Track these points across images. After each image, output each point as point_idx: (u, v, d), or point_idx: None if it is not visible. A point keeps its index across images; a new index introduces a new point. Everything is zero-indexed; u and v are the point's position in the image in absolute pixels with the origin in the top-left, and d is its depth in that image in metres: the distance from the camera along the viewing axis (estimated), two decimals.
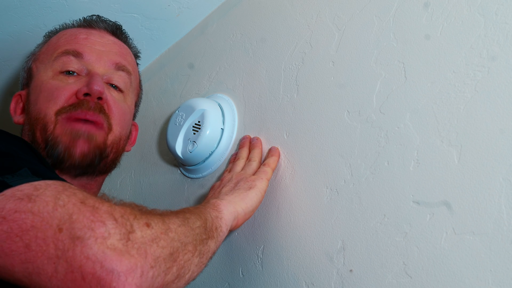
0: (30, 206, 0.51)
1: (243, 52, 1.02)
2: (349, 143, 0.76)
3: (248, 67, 1.00)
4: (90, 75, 0.82)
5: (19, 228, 0.50)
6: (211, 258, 0.64)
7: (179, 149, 0.96)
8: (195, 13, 1.16)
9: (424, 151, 0.66)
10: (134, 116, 0.97)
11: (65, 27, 0.93)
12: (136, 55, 0.99)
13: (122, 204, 0.57)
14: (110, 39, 0.91)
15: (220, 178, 0.87)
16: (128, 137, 0.91)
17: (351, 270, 0.69)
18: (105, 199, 0.56)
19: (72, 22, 0.93)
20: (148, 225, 0.55)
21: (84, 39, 0.87)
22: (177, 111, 1.00)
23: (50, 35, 0.93)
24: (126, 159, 1.25)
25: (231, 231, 0.73)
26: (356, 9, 0.83)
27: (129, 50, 0.95)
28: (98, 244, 0.50)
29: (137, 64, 0.98)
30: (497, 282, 0.55)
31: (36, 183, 0.54)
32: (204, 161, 0.96)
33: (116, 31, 0.93)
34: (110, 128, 0.82)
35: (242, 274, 0.85)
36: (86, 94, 0.80)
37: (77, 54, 0.84)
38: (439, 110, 0.66)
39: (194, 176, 1.00)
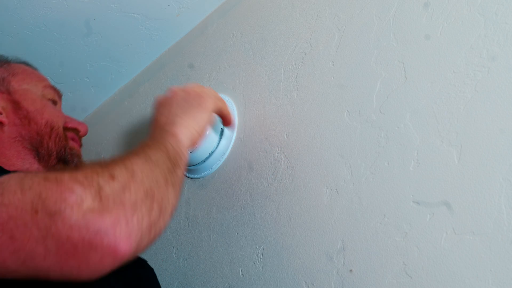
0: (1, 200, 0.52)
1: (243, 52, 1.02)
2: (349, 143, 0.76)
3: (248, 67, 1.00)
4: (68, 116, 0.92)
5: None
6: (182, 184, 0.65)
7: None
8: (195, 13, 1.16)
9: (424, 151, 0.66)
10: None
11: (17, 61, 0.98)
12: None
13: (82, 166, 0.59)
14: None
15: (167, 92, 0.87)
16: None
17: (351, 270, 0.69)
18: (63, 169, 0.59)
19: (11, 58, 0.97)
20: (112, 177, 0.56)
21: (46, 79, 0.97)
22: None
23: (6, 60, 0.96)
24: None
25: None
26: (356, 9, 0.83)
27: None
28: (75, 211, 0.51)
29: None
30: (497, 282, 0.55)
31: None
32: (204, 161, 0.96)
33: None
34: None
35: (242, 274, 0.85)
36: (76, 130, 0.91)
37: (56, 93, 0.94)
38: (439, 110, 0.66)
39: (194, 176, 1.00)
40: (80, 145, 0.92)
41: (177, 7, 1.13)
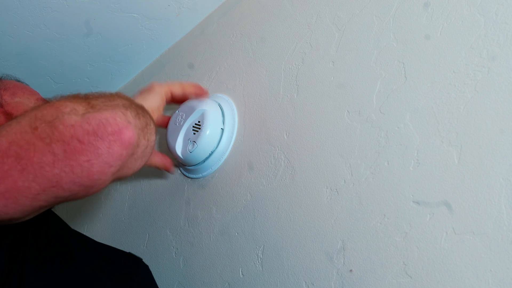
0: None
1: (243, 52, 1.02)
2: (349, 143, 0.76)
3: (248, 67, 1.00)
4: None
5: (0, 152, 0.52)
6: (156, 128, 0.68)
7: (179, 149, 0.96)
8: (195, 13, 1.16)
9: (424, 151, 0.66)
10: None
11: (8, 78, 0.98)
12: None
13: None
14: None
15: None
16: None
17: (351, 270, 0.69)
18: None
19: (1, 75, 0.98)
20: (97, 97, 0.59)
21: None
22: (177, 111, 1.00)
23: None
24: None
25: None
26: (356, 9, 0.83)
27: None
28: (73, 114, 0.53)
29: None
30: (497, 282, 0.55)
31: None
32: (204, 161, 0.96)
33: None
34: None
35: (242, 274, 0.85)
36: None
37: None
38: (439, 110, 0.66)
39: (194, 176, 1.00)
40: None
41: (177, 7, 1.13)
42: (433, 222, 0.63)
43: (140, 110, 0.62)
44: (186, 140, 0.95)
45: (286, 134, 0.87)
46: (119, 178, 0.61)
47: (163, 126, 0.99)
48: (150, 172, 1.16)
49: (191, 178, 1.01)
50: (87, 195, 0.57)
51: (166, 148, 1.09)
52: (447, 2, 0.70)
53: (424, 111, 0.68)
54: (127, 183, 1.22)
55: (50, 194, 0.53)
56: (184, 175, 1.03)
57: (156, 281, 0.98)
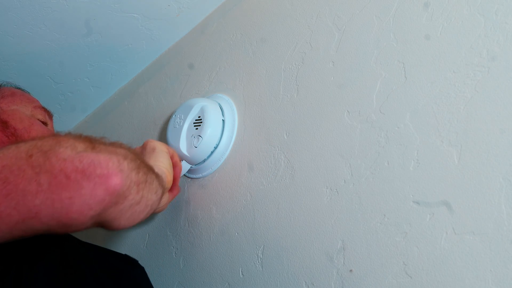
0: None
1: (243, 52, 1.02)
2: (349, 143, 0.76)
3: (248, 67, 1.00)
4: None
5: None
6: (160, 196, 0.67)
7: (183, 147, 0.96)
8: (195, 13, 1.16)
9: (424, 151, 0.66)
10: None
11: (5, 84, 0.99)
12: None
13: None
14: None
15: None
16: None
17: (351, 270, 0.69)
18: None
19: (1, 82, 0.99)
20: (103, 142, 0.60)
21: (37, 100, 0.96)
22: (174, 115, 1.00)
23: None
24: None
25: (165, 191, 0.77)
26: (356, 9, 0.83)
27: None
28: (69, 149, 0.53)
29: None
30: (497, 282, 0.55)
31: None
32: (204, 161, 0.96)
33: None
34: None
35: (242, 274, 0.84)
36: None
37: (47, 113, 0.94)
38: (439, 110, 0.66)
39: (194, 176, 1.00)
40: None
41: (177, 7, 1.13)
42: (433, 222, 0.63)
43: (145, 168, 0.62)
44: (190, 137, 0.96)
45: (286, 134, 0.87)
46: (104, 226, 0.60)
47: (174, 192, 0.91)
48: None
49: (191, 178, 1.01)
50: (67, 232, 0.56)
51: None
52: (447, 2, 0.70)
53: (424, 111, 0.68)
54: None
55: (29, 225, 0.53)
56: (184, 175, 1.03)
57: (156, 281, 0.98)
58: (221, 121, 0.96)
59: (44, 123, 0.91)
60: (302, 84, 0.87)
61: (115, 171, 0.54)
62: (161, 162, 0.80)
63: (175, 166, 0.87)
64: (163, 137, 1.14)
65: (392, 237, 0.66)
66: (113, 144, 0.62)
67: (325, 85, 0.83)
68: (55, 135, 0.57)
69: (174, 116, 1.00)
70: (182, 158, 0.98)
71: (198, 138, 0.94)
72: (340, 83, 0.81)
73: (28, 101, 0.94)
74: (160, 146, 0.85)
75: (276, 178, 0.85)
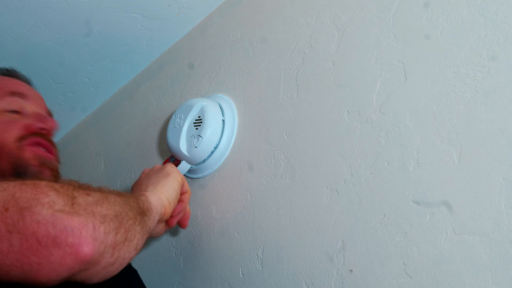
0: None
1: (243, 52, 1.02)
2: (349, 143, 0.76)
3: (248, 67, 1.00)
4: (37, 115, 0.86)
5: None
6: (148, 234, 0.66)
7: (183, 147, 0.96)
8: (195, 13, 1.16)
9: (424, 151, 0.66)
10: None
11: None
12: None
13: (61, 180, 0.61)
14: (31, 88, 0.95)
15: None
16: None
17: (351, 270, 0.69)
18: (42, 178, 0.60)
19: None
20: (87, 194, 0.58)
21: (19, 84, 0.91)
22: (174, 115, 1.00)
23: None
24: (126, 159, 1.25)
25: (161, 221, 0.77)
26: (356, 9, 0.83)
27: None
28: (45, 209, 0.52)
29: None
30: (497, 282, 0.55)
31: None
32: (204, 161, 0.96)
33: (31, 82, 0.97)
34: (58, 161, 0.86)
35: (242, 274, 0.85)
36: (42, 129, 0.84)
37: (22, 96, 0.88)
38: (439, 110, 0.66)
39: (194, 176, 1.00)
40: (50, 144, 0.85)
41: (177, 7, 1.14)
42: (433, 222, 0.63)
43: (131, 218, 0.60)
44: (190, 137, 0.96)
45: (286, 134, 0.87)
46: (77, 281, 0.59)
47: (171, 223, 0.86)
48: None
49: (191, 178, 1.01)
50: None
51: (166, 148, 1.09)
52: (447, 2, 0.70)
53: (424, 111, 0.68)
54: (127, 183, 1.22)
55: (1, 280, 0.53)
56: (184, 175, 1.03)
57: (156, 281, 0.98)
58: (221, 121, 0.96)
59: (14, 111, 0.85)
60: (302, 84, 0.87)
61: (87, 240, 0.52)
62: (166, 192, 0.79)
63: (183, 193, 0.86)
64: (163, 137, 1.14)
65: (392, 237, 0.66)
66: (102, 198, 0.59)
67: (325, 85, 0.83)
68: (37, 182, 0.55)
69: (174, 116, 1.00)
70: (182, 158, 0.98)
71: (198, 138, 0.94)
72: (340, 83, 0.81)
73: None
74: (175, 175, 0.84)
75: (276, 178, 0.85)
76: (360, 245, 0.69)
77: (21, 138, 0.82)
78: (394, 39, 0.75)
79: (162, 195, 0.77)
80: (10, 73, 0.95)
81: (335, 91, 0.81)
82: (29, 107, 0.89)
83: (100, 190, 0.62)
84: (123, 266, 0.60)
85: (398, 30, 0.75)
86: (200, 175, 0.99)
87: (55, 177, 0.83)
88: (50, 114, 0.93)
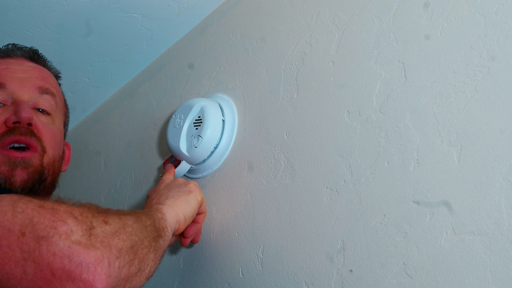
0: None
1: (243, 52, 1.02)
2: (349, 143, 0.76)
3: (248, 67, 1.00)
4: (16, 104, 0.83)
5: None
6: (162, 257, 0.66)
7: (183, 147, 0.96)
8: (195, 13, 1.16)
9: (424, 151, 0.66)
10: (65, 136, 0.97)
11: None
12: (57, 76, 0.99)
13: (79, 204, 0.59)
14: (29, 65, 0.91)
15: (154, 187, 0.89)
16: (62, 157, 0.92)
17: (351, 270, 0.69)
18: (62, 201, 0.59)
19: None
20: (106, 222, 0.57)
21: (4, 69, 0.87)
22: (174, 115, 1.00)
23: None
24: (126, 159, 1.25)
25: (174, 234, 0.76)
26: (356, 9, 0.83)
27: (49, 73, 0.95)
28: (63, 240, 0.52)
29: (59, 84, 0.98)
30: (497, 282, 0.55)
31: None
32: (204, 161, 0.96)
33: (34, 56, 0.94)
34: (44, 150, 0.83)
35: (242, 274, 0.85)
36: (16, 122, 0.81)
37: (0, 85, 0.85)
38: (439, 110, 0.66)
39: (194, 176, 1.00)
40: (29, 137, 0.81)
41: (177, 7, 1.14)
42: (433, 222, 0.62)
43: (146, 246, 0.60)
44: (190, 137, 0.96)
45: (286, 134, 0.87)
46: None
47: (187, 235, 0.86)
48: (150, 172, 1.16)
49: (191, 178, 1.01)
50: None
51: (166, 148, 1.09)
52: (447, 2, 0.70)
53: (424, 111, 0.68)
54: (127, 183, 1.22)
55: None
56: (184, 175, 1.03)
57: (156, 281, 0.98)
58: (221, 121, 0.96)
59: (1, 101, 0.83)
60: (302, 84, 0.87)
61: (101, 277, 0.52)
62: (184, 209, 0.79)
63: (199, 214, 0.86)
64: (163, 137, 1.14)
65: (392, 237, 0.66)
66: (118, 219, 0.59)
67: (325, 85, 0.83)
68: (54, 208, 0.55)
69: (174, 116, 1.00)
70: (182, 158, 0.98)
71: (198, 138, 0.94)
72: (340, 83, 0.81)
73: None
74: (197, 194, 0.84)
75: (276, 178, 0.85)
76: (360, 245, 0.69)
77: (3, 134, 0.79)
78: (394, 39, 0.75)
79: (180, 211, 0.77)
80: (1, 54, 0.91)
81: (335, 91, 0.81)
82: (12, 94, 0.85)
83: (118, 214, 0.61)
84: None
85: (398, 30, 0.75)
86: (200, 175, 0.99)
87: (37, 172, 0.81)
88: (44, 91, 0.88)
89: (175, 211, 0.76)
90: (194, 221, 0.85)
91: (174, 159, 1.00)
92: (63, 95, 0.98)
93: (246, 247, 0.85)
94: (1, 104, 0.83)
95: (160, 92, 1.22)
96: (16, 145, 0.80)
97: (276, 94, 0.91)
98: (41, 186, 0.83)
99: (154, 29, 1.19)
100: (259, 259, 0.82)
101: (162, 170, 1.12)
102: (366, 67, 0.77)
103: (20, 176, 0.79)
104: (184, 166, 0.97)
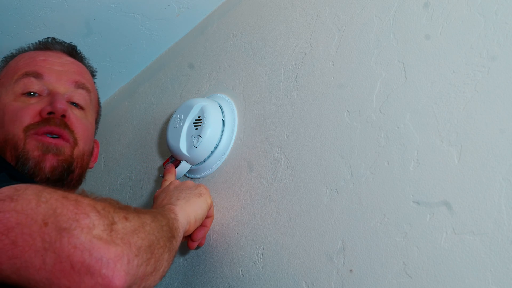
0: (13, 205, 0.53)
1: (243, 52, 1.02)
2: (349, 143, 0.76)
3: (248, 67, 1.00)
4: (52, 95, 0.84)
5: (4, 226, 0.52)
6: (174, 258, 0.66)
7: (183, 147, 0.96)
8: (195, 13, 1.16)
9: (424, 151, 0.66)
10: (95, 133, 0.98)
11: (22, 51, 0.93)
12: (93, 74, 1.00)
13: (101, 198, 0.60)
14: (67, 59, 0.93)
15: (161, 188, 0.89)
16: (91, 153, 0.93)
17: (351, 270, 0.69)
18: (85, 194, 0.59)
19: (28, 45, 0.94)
20: (126, 218, 0.57)
21: (42, 61, 0.89)
22: (174, 115, 1.00)
23: (7, 59, 0.93)
24: (126, 159, 1.25)
25: (183, 236, 0.76)
26: (356, 9, 0.83)
27: (86, 69, 0.97)
28: (84, 234, 0.52)
29: (94, 82, 0.99)
30: (497, 282, 0.55)
31: (15, 185, 0.56)
32: (204, 161, 0.96)
33: (72, 51, 0.95)
34: (75, 142, 0.84)
35: (242, 274, 0.85)
36: (50, 113, 0.82)
37: (37, 75, 0.86)
38: (439, 110, 0.66)
39: (194, 176, 1.00)
40: (62, 129, 0.82)
41: (177, 7, 1.14)
42: (433, 222, 0.62)
43: (162, 246, 0.60)
44: (190, 137, 0.96)
45: (286, 134, 0.87)
46: None
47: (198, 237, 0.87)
48: (150, 172, 1.16)
49: (191, 178, 1.01)
50: None
51: (166, 148, 1.09)
52: (447, 2, 0.70)
53: (424, 111, 0.68)
54: (127, 183, 1.22)
55: None
56: (184, 175, 1.03)
57: None
58: (221, 121, 0.96)
59: (31, 94, 0.83)
60: (302, 84, 0.87)
61: (120, 274, 0.52)
62: (195, 211, 0.79)
63: (207, 217, 0.87)
64: (163, 137, 1.14)
65: (392, 237, 0.66)
66: (137, 217, 0.59)
67: (325, 85, 0.83)
68: (78, 200, 0.55)
69: (174, 116, 1.00)
70: (182, 158, 0.98)
71: (198, 138, 0.94)
72: (340, 83, 0.81)
73: (14, 72, 0.86)
74: (207, 197, 0.85)
75: (276, 178, 0.85)
76: (360, 245, 0.69)
77: (28, 129, 0.80)
78: (394, 39, 0.75)
79: (191, 213, 0.77)
80: (40, 46, 0.93)
81: (335, 91, 0.81)
82: (49, 85, 0.86)
83: (137, 212, 0.61)
84: None
85: (398, 30, 0.75)
86: (200, 175, 0.99)
87: (67, 161, 0.82)
88: (80, 86, 0.89)
89: (187, 212, 0.76)
90: (202, 225, 0.85)
91: (174, 159, 1.00)
92: (97, 93, 0.99)
93: (246, 247, 0.85)
94: (37, 94, 0.85)
95: (160, 92, 1.22)
96: (49, 135, 0.81)
97: (276, 94, 0.91)
98: (68, 177, 0.83)
99: (154, 29, 1.19)
100: (259, 259, 0.82)
101: (162, 170, 1.12)
102: (366, 67, 0.77)
103: (50, 162, 0.80)
104: (184, 166, 0.97)
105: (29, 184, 0.57)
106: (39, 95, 0.85)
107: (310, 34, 0.89)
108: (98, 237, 0.52)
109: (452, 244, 0.60)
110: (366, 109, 0.75)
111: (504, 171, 0.58)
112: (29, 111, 0.82)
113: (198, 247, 0.91)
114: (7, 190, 0.55)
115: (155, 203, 0.83)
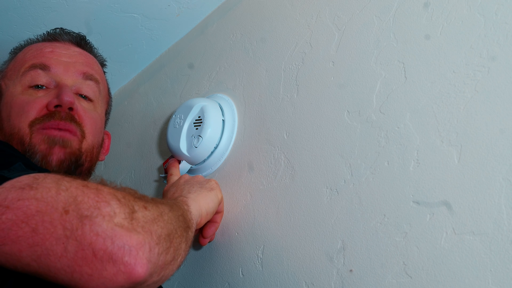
0: (33, 193, 0.52)
1: (243, 52, 1.02)
2: (349, 143, 0.76)
3: (248, 67, 1.00)
4: (59, 87, 0.83)
5: (24, 214, 0.51)
6: (190, 248, 0.66)
7: (183, 147, 0.96)
8: (195, 13, 1.16)
9: (424, 151, 0.66)
10: (105, 124, 0.97)
11: (30, 42, 0.92)
12: (103, 64, 0.99)
13: (120, 187, 0.60)
14: (75, 50, 0.91)
15: (170, 183, 0.88)
16: (101, 145, 0.92)
17: (351, 270, 0.69)
18: (105, 183, 0.59)
19: (36, 37, 0.93)
20: (145, 207, 0.57)
21: (50, 52, 0.88)
22: (174, 115, 1.00)
23: (15, 51, 0.92)
24: (126, 159, 1.25)
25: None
26: (356, 9, 0.83)
27: (95, 60, 0.95)
28: (106, 221, 0.51)
29: (104, 72, 0.98)
30: (497, 282, 0.55)
31: (34, 174, 0.56)
32: (204, 161, 0.96)
33: (81, 42, 0.94)
34: (83, 136, 0.84)
35: (242, 274, 0.85)
36: (57, 106, 0.81)
37: (44, 67, 0.85)
38: (439, 110, 0.66)
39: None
40: (69, 123, 0.81)
41: (177, 7, 1.14)
42: (433, 222, 0.63)
43: (179, 235, 0.60)
44: (190, 137, 0.96)
45: (286, 134, 0.87)
46: None
47: (208, 233, 0.88)
48: (150, 172, 1.16)
49: None
50: None
51: (166, 148, 1.09)
52: (447, 2, 0.70)
53: (424, 111, 0.68)
54: (127, 183, 1.22)
55: (46, 277, 0.52)
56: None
57: None
58: (221, 121, 0.96)
59: (38, 86, 0.83)
60: (302, 84, 0.87)
61: (143, 262, 0.52)
62: (207, 204, 0.79)
63: (217, 213, 0.87)
64: (163, 137, 1.14)
65: (392, 237, 0.66)
66: (155, 207, 0.59)
67: (325, 85, 0.83)
68: (98, 189, 0.55)
69: (174, 116, 1.00)
70: (182, 158, 0.98)
71: (198, 138, 0.94)
72: (340, 83, 0.81)
73: (22, 65, 0.85)
74: (217, 192, 0.84)
75: (276, 178, 0.85)
76: (360, 245, 0.69)
77: (34, 123, 0.80)
78: (394, 39, 0.75)
79: (202, 206, 0.77)
80: (48, 37, 0.91)
81: (335, 91, 0.81)
82: (56, 77, 0.85)
83: (154, 202, 0.61)
84: (163, 283, 0.60)
85: (398, 30, 0.75)
86: (200, 175, 0.99)
87: (74, 155, 0.81)
88: (88, 77, 0.88)
89: (199, 205, 0.76)
90: (212, 221, 0.85)
91: (174, 159, 1.00)
92: (107, 84, 0.98)
93: (246, 247, 0.85)
94: (44, 87, 0.84)
95: (160, 92, 1.22)
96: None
97: (276, 94, 0.91)
98: (77, 170, 0.83)
99: (154, 29, 1.19)
100: (259, 259, 0.82)
101: (162, 170, 1.12)
102: (366, 67, 0.77)
103: (57, 154, 0.79)
104: (184, 166, 0.97)
105: (47, 173, 0.56)
106: (47, 87, 0.84)
107: (310, 34, 0.89)
108: (120, 225, 0.52)
109: (452, 244, 0.60)
110: (366, 109, 0.75)
111: (504, 171, 0.58)
112: (36, 105, 0.81)
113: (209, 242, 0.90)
114: (26, 178, 0.54)
115: (165, 197, 0.83)
